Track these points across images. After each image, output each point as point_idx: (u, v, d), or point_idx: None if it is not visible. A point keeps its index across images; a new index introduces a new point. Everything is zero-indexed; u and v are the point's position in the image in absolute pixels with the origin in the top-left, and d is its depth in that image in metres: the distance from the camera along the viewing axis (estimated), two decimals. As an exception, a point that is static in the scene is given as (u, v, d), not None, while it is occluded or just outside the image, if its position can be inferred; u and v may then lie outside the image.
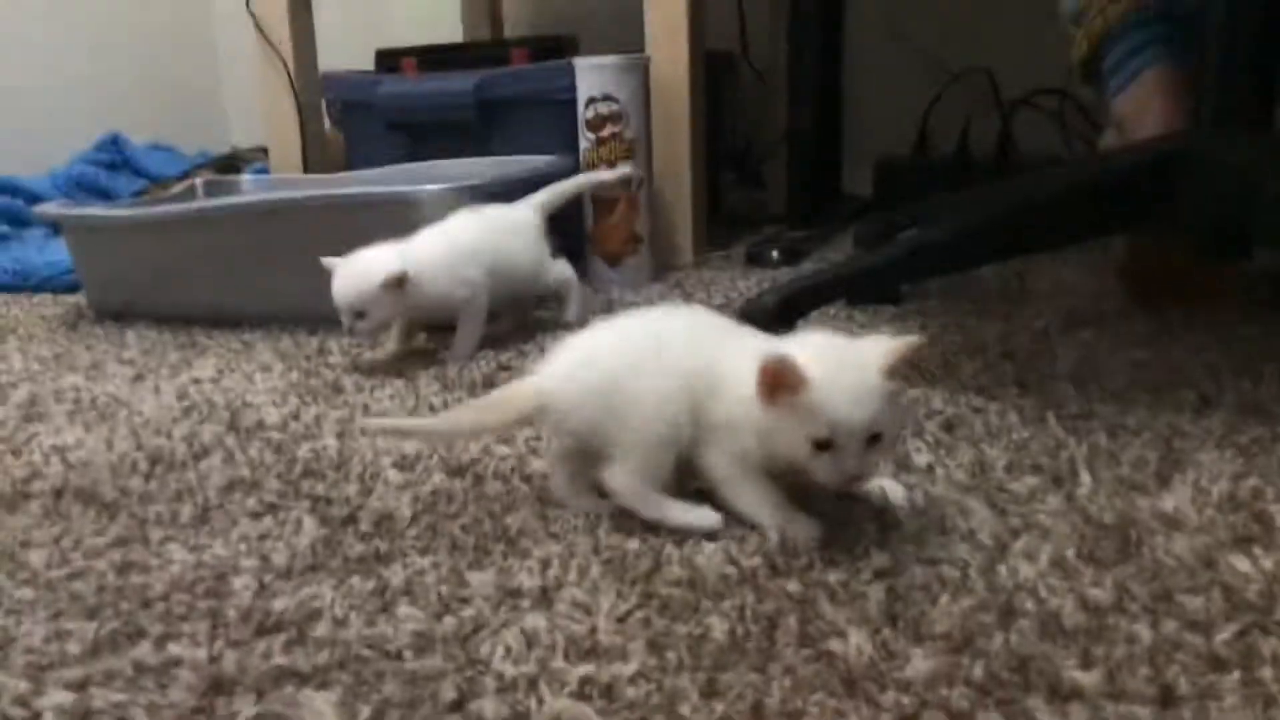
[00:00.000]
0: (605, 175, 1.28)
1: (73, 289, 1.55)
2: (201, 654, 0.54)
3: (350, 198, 1.22)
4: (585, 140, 1.37)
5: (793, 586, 0.58)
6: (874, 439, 0.59)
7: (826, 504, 0.67)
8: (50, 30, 2.30)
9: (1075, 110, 1.85)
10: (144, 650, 0.55)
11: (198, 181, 1.55)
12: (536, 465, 0.78)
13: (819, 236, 1.61)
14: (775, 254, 1.49)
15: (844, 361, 0.60)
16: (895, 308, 1.20)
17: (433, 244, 1.07)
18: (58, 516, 0.72)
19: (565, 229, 1.44)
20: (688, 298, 1.30)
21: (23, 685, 0.52)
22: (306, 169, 1.69)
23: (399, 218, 1.14)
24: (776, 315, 0.85)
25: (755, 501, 0.65)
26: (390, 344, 1.11)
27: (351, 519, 0.70)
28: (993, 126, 1.87)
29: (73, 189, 2.16)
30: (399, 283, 1.00)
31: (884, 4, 1.95)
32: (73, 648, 0.55)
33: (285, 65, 1.64)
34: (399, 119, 1.59)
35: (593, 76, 1.34)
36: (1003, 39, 1.87)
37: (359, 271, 1.00)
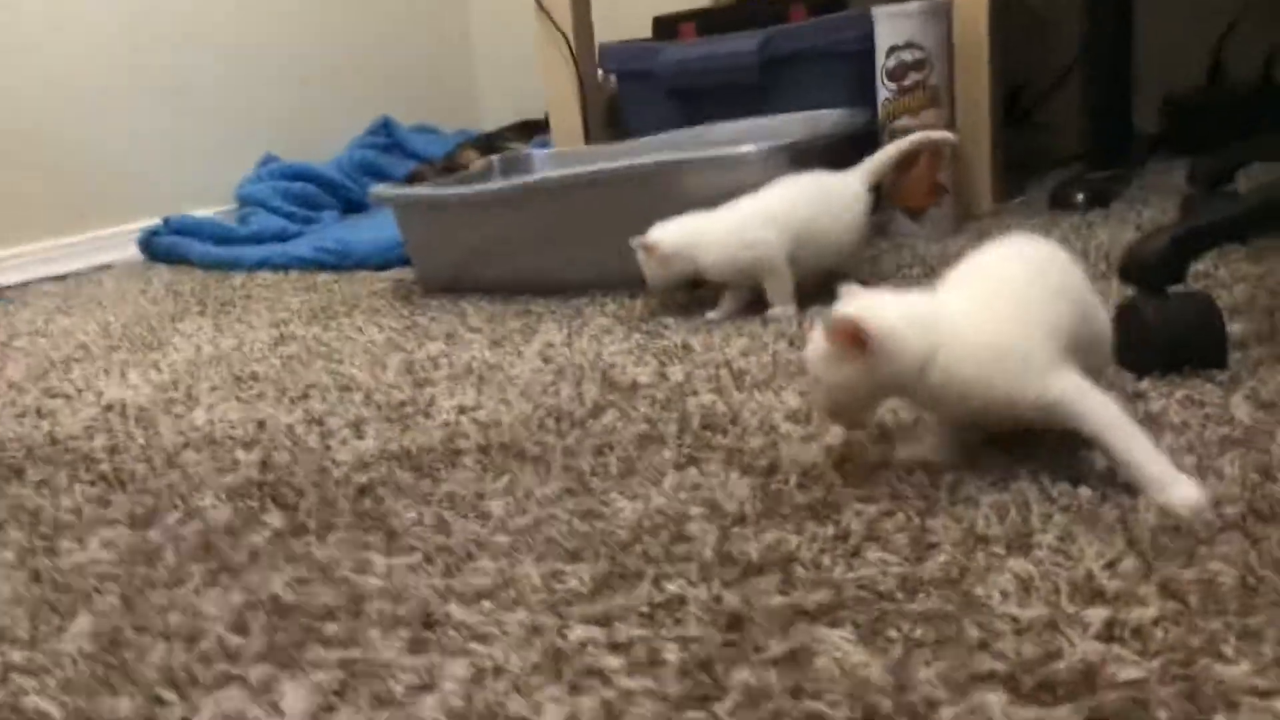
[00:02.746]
0: (935, 135, 1.25)
1: (385, 266, 1.66)
2: (701, 592, 0.57)
3: (664, 164, 1.25)
4: (886, 90, 1.35)
5: (1287, 533, 0.56)
6: None
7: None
8: (320, 19, 2.46)
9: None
10: (645, 589, 0.58)
11: (494, 160, 1.62)
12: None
13: (1120, 177, 1.53)
14: (1080, 197, 1.43)
15: None
16: (1244, 248, 1.13)
17: (726, 212, 1.12)
18: (496, 470, 0.78)
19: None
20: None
21: (550, 620, 0.56)
22: (587, 140, 1.74)
23: (714, 179, 1.17)
24: (1169, 258, 0.81)
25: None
26: (724, 305, 1.14)
27: (773, 469, 0.72)
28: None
29: (355, 171, 2.33)
30: (649, 249, 1.10)
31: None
32: (576, 586, 0.60)
33: (566, 39, 1.70)
34: (680, 84, 1.61)
35: (895, 23, 1.32)
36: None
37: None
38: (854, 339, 0.64)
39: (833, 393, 0.67)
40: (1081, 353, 0.66)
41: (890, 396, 0.70)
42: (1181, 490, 0.60)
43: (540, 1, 1.70)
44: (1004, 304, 0.66)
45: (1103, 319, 0.71)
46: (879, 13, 1.34)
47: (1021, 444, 0.70)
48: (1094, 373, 0.68)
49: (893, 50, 1.33)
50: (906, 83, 1.33)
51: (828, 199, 1.12)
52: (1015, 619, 0.52)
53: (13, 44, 1.92)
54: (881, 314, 0.64)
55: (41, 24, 1.96)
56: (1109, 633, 0.49)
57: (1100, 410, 0.63)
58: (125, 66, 2.07)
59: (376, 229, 1.71)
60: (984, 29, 1.39)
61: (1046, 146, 1.87)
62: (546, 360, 1.04)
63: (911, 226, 1.39)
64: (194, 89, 2.18)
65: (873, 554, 0.59)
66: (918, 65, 1.32)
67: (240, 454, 0.88)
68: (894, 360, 0.64)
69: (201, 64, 2.19)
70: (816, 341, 0.66)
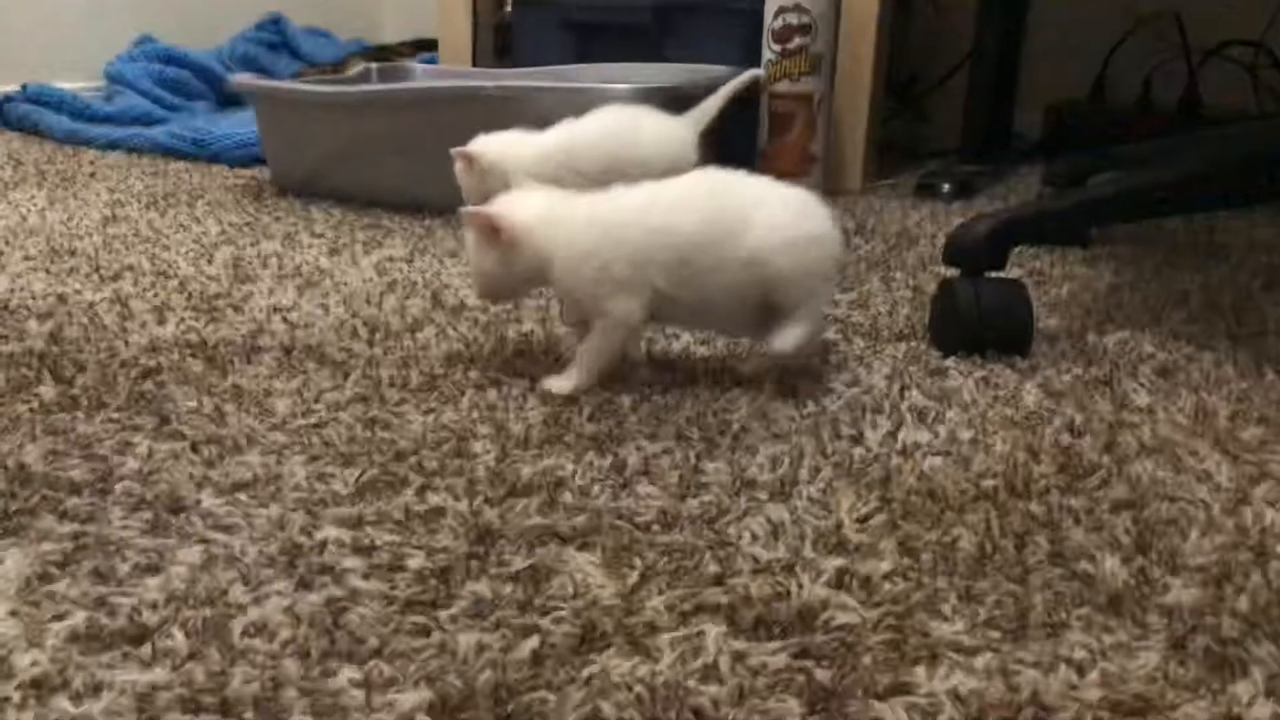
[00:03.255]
0: (738, 79, 1.24)
1: (247, 161, 1.59)
2: (463, 506, 0.57)
3: (531, 89, 1.23)
4: (770, 51, 1.35)
5: (1035, 508, 0.58)
6: None
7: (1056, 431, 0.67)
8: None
9: (1270, 64, 1.75)
10: (408, 498, 0.57)
11: (372, 67, 1.57)
12: (744, 369, 0.78)
13: (990, 173, 1.56)
14: (947, 187, 1.46)
15: None
16: (1084, 250, 1.17)
17: (549, 132, 1.11)
18: (293, 370, 0.76)
19: (736, 144, 1.44)
20: (860, 226, 1.28)
21: (300, 518, 0.55)
22: (474, 63, 1.70)
23: (579, 112, 1.14)
24: (987, 244, 0.83)
25: None
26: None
27: (573, 401, 0.72)
28: (1176, 77, 1.79)
29: (237, 65, 2.22)
30: (467, 159, 1.08)
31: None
32: (339, 489, 0.58)
33: (465, -44, 1.64)
34: (575, 18, 1.58)
35: (786, -14, 1.32)
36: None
37: None
38: (491, 231, 0.71)
39: (481, 276, 0.74)
40: (755, 272, 0.70)
41: (536, 284, 0.76)
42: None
43: (442, -88, 1.64)
44: (625, 215, 0.72)
45: (803, 255, 0.71)
46: (772, -28, 1.34)
47: (816, 401, 0.72)
48: (800, 285, 0.71)
49: (780, 11, 1.33)
50: (790, 46, 1.33)
51: (654, 132, 1.11)
52: (756, 559, 0.52)
53: None
54: (520, 211, 0.71)
55: None
56: (839, 581, 0.51)
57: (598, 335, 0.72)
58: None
59: (241, 123, 1.64)
60: (874, 3, 1.40)
61: (929, 138, 1.91)
62: (381, 273, 1.02)
63: (779, 192, 1.39)
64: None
65: (642, 488, 0.60)
66: (803, 29, 1.32)
67: (32, 324, 0.83)
68: (527, 253, 0.71)
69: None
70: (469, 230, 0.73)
